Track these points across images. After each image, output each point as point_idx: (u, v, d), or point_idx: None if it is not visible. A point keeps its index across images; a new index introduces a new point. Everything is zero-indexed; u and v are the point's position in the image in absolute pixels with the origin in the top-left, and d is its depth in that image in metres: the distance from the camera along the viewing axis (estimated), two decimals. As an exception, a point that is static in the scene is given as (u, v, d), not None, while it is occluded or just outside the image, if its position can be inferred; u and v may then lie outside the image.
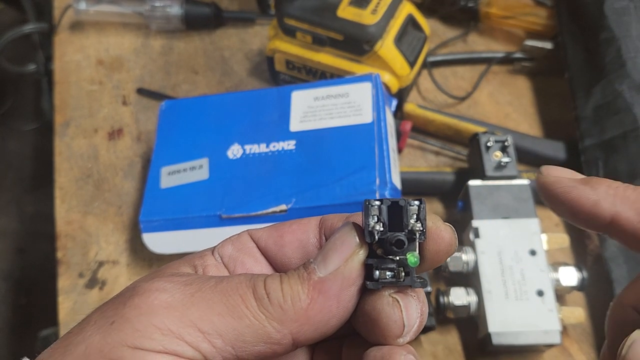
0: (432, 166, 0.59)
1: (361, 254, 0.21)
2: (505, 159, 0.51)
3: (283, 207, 0.46)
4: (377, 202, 0.21)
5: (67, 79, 0.68)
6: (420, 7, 0.67)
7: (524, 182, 0.51)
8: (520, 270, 0.46)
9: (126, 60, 0.69)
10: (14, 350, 1.23)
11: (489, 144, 0.52)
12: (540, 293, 0.45)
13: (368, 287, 0.21)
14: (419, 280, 0.21)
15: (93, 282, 0.53)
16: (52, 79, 0.68)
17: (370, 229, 0.21)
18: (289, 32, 0.57)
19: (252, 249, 0.24)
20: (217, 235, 0.47)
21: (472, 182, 0.51)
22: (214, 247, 0.25)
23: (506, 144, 0.51)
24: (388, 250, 0.21)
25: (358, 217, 0.23)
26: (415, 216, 0.21)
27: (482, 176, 0.51)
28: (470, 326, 0.48)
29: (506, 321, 0.44)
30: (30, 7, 1.10)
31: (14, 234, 1.40)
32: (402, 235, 0.21)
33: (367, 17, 0.54)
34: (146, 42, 0.70)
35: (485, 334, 0.44)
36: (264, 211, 0.46)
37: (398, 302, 0.21)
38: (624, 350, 0.20)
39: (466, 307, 0.46)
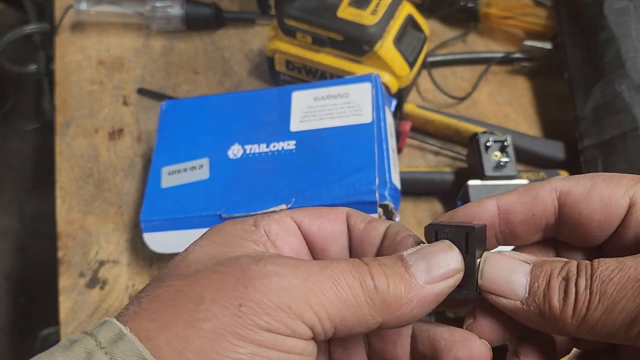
0: (431, 166, 0.59)
1: (458, 277, 0.23)
2: (505, 159, 0.51)
3: (283, 206, 0.46)
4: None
5: (67, 79, 0.68)
6: (419, 7, 0.67)
7: (523, 182, 0.51)
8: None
9: (127, 61, 0.69)
10: (14, 350, 1.23)
11: (488, 144, 0.52)
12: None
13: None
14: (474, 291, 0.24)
15: (94, 282, 0.53)
16: (53, 79, 0.68)
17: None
18: (289, 33, 0.57)
19: (295, 231, 0.27)
20: (217, 235, 0.47)
21: (472, 182, 0.51)
22: (255, 220, 0.26)
23: (505, 144, 0.52)
24: None
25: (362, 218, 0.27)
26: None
27: (482, 176, 0.51)
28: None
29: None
30: (31, 8, 1.10)
31: (15, 233, 1.40)
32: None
33: (367, 17, 0.54)
34: (147, 43, 0.71)
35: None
36: (264, 211, 0.46)
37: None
38: (481, 267, 0.24)
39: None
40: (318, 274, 0.21)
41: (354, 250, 0.27)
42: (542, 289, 0.22)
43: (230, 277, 0.21)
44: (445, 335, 0.24)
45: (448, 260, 0.23)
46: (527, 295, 0.23)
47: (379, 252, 0.26)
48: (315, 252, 0.27)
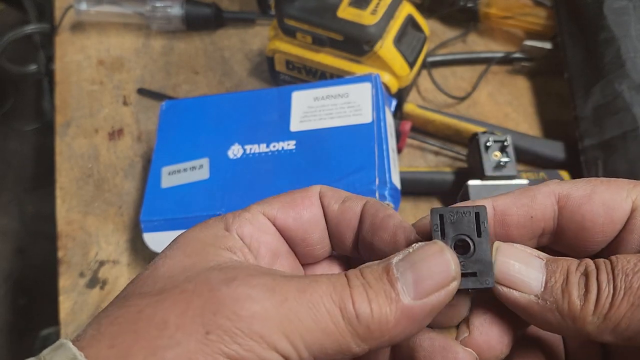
0: (431, 166, 0.59)
1: (454, 285, 0.21)
2: (505, 159, 0.51)
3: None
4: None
5: (68, 79, 0.68)
6: (419, 7, 0.67)
7: (523, 182, 0.51)
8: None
9: (127, 61, 0.69)
10: (14, 350, 1.23)
11: (488, 144, 0.52)
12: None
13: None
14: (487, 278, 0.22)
15: (94, 282, 0.53)
16: (53, 79, 0.68)
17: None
18: (289, 33, 0.57)
19: (270, 227, 0.25)
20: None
21: (472, 182, 0.51)
22: (226, 223, 0.24)
23: (505, 143, 0.52)
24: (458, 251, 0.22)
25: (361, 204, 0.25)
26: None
27: (482, 176, 0.51)
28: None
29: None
30: (31, 8, 1.10)
31: (14, 234, 1.40)
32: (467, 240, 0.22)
33: (367, 17, 0.54)
34: (147, 43, 0.70)
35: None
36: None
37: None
38: (493, 256, 0.22)
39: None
40: (295, 299, 0.20)
41: (332, 235, 0.26)
42: (560, 283, 0.21)
43: (197, 299, 0.19)
44: (425, 344, 0.22)
45: (440, 268, 0.21)
46: (543, 290, 0.21)
47: (360, 237, 0.25)
48: (295, 244, 0.26)
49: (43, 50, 0.98)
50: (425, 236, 0.23)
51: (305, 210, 0.25)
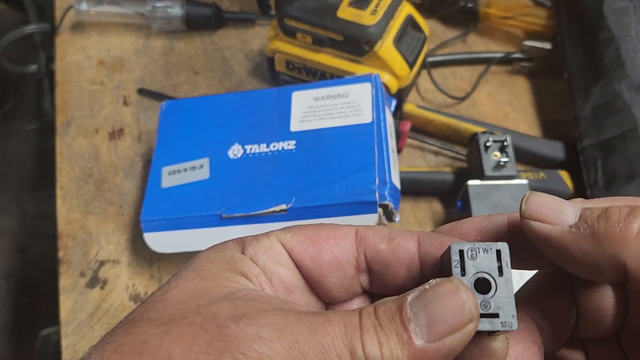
0: (431, 166, 0.59)
1: (471, 327, 0.19)
2: (504, 159, 0.51)
3: (283, 206, 0.46)
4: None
5: (68, 79, 0.68)
6: (419, 7, 0.67)
7: (523, 182, 0.51)
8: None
9: (127, 61, 0.69)
10: (14, 350, 1.23)
11: (488, 144, 0.52)
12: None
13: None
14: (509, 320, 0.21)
15: (94, 282, 0.53)
16: (54, 79, 0.69)
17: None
18: (289, 33, 0.57)
19: (286, 259, 0.23)
20: (217, 235, 0.47)
21: (471, 182, 0.51)
22: (243, 246, 0.23)
23: (505, 143, 0.52)
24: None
25: (407, 240, 0.23)
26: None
27: (481, 176, 0.51)
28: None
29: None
30: (31, 8, 1.11)
31: (15, 233, 1.40)
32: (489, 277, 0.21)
33: (367, 17, 0.54)
34: (147, 43, 0.71)
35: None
36: (264, 211, 0.46)
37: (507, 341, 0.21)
38: (523, 205, 0.21)
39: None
40: (306, 341, 0.19)
41: (378, 277, 0.24)
42: (598, 212, 0.20)
43: (205, 334, 0.19)
44: None
45: (455, 309, 0.19)
46: (577, 220, 0.20)
47: (421, 275, 0.23)
48: (310, 282, 0.24)
49: (43, 51, 0.98)
50: (445, 268, 0.22)
51: (327, 251, 0.23)
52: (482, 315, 0.20)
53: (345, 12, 0.55)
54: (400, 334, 0.19)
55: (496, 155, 0.52)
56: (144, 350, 0.19)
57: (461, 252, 0.21)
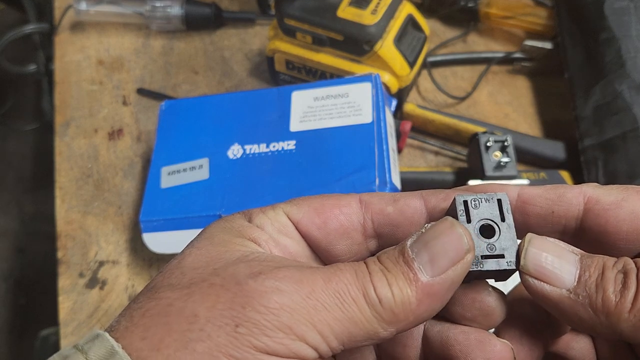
0: (431, 166, 0.59)
1: (470, 257, 0.21)
2: (505, 159, 0.51)
3: (283, 207, 0.46)
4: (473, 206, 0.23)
5: (67, 79, 0.68)
6: (420, 7, 0.67)
7: (524, 182, 0.51)
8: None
9: (126, 61, 0.69)
10: (14, 350, 1.23)
11: (488, 144, 0.52)
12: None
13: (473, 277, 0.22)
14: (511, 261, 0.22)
15: (93, 282, 0.53)
16: (53, 79, 0.68)
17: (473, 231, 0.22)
18: (289, 33, 0.57)
19: (292, 231, 0.24)
20: (217, 235, 0.47)
21: (472, 182, 0.51)
22: (250, 216, 0.24)
23: (506, 144, 0.51)
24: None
25: (411, 198, 0.24)
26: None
27: (482, 176, 0.51)
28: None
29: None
30: (30, 8, 1.10)
31: (14, 234, 1.40)
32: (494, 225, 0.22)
33: (367, 17, 0.54)
34: (146, 43, 0.70)
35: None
36: (264, 211, 0.46)
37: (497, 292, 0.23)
38: (522, 259, 0.22)
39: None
40: (322, 289, 0.20)
41: (390, 240, 0.24)
42: (595, 278, 0.20)
43: (226, 292, 0.20)
44: (460, 338, 0.23)
45: (453, 242, 0.21)
46: (576, 284, 0.20)
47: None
48: (318, 251, 0.25)
49: (42, 50, 0.98)
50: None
51: (333, 219, 0.24)
52: (489, 257, 0.22)
53: (346, 11, 0.54)
54: (406, 273, 0.20)
55: (497, 156, 0.51)
56: (171, 312, 0.19)
57: (465, 203, 0.22)
